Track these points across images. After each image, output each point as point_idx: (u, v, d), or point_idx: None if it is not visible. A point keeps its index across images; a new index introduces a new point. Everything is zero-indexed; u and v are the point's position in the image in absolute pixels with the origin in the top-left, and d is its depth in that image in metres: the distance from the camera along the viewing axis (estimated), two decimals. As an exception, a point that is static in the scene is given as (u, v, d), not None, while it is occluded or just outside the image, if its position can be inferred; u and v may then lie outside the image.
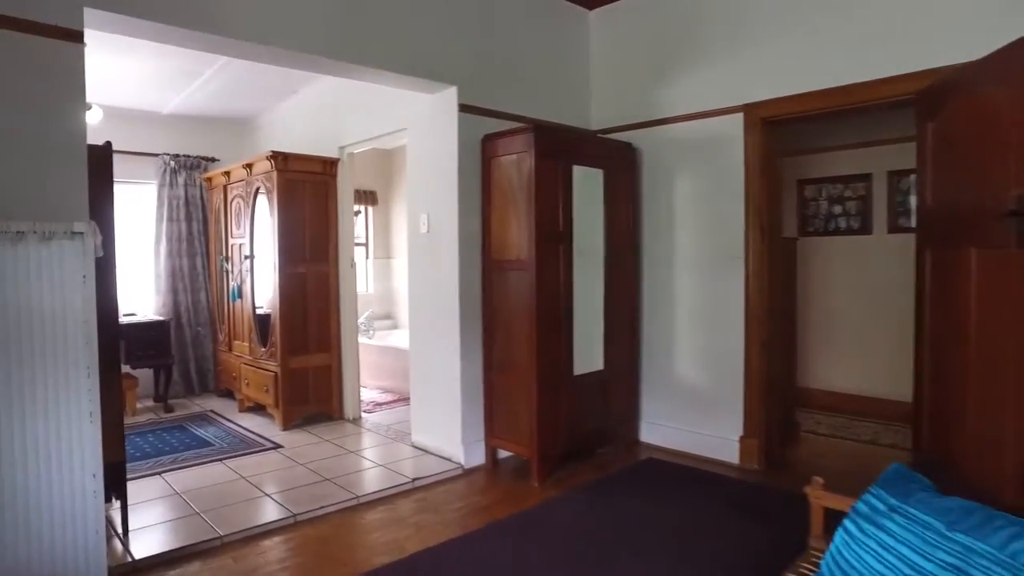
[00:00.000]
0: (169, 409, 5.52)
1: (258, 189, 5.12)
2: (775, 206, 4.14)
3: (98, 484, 2.23)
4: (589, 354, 4.15)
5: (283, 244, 4.83)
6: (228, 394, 6.00)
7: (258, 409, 5.41)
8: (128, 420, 5.20)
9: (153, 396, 5.87)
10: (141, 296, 6.09)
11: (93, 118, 4.43)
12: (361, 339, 5.63)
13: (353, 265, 5.19)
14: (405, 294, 7.50)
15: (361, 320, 6.39)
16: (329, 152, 5.13)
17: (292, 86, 5.39)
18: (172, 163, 6.06)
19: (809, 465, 4.15)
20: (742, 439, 4.05)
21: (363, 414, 5.33)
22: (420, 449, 4.38)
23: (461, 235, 4.02)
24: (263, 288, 5.38)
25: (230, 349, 5.73)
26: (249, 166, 5.15)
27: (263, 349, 5.10)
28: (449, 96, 4.03)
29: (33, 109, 2.45)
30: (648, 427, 4.56)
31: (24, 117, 2.42)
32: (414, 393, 4.48)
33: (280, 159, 4.79)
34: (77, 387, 2.22)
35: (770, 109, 3.90)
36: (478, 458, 4.12)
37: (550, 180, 3.82)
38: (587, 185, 4.05)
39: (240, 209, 5.41)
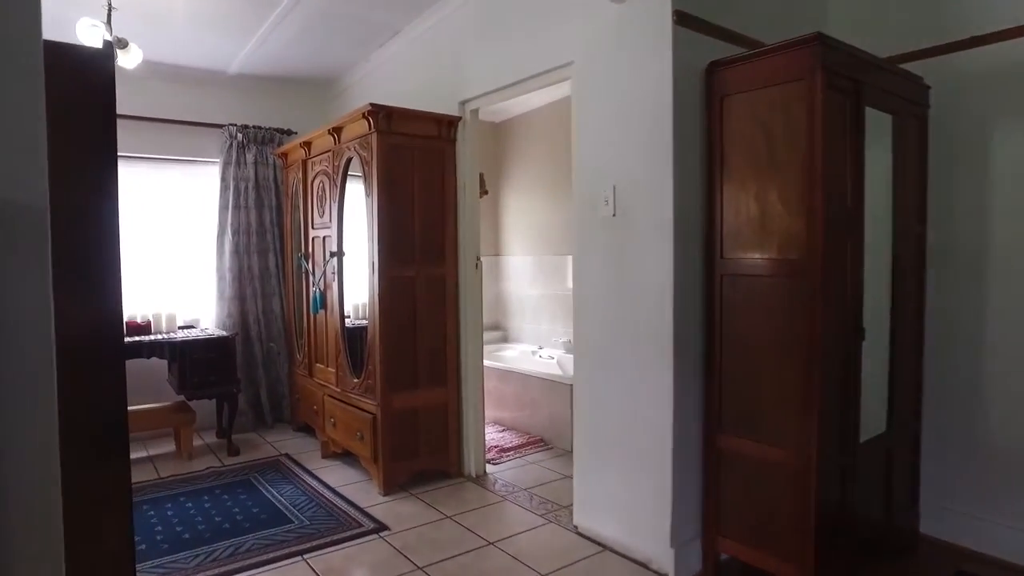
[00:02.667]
0: (234, 451, 4.26)
1: (349, 162, 3.77)
2: None
3: None
4: (868, 408, 2.60)
5: (384, 236, 3.46)
6: (307, 429, 4.71)
7: (347, 456, 4.08)
8: (182, 469, 3.95)
9: (216, 429, 4.63)
10: (202, 302, 4.86)
11: (128, 60, 3.17)
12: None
13: (479, 265, 3.78)
14: (519, 300, 6.10)
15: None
16: (445, 110, 3.72)
17: (392, 23, 4.02)
18: (240, 136, 4.81)
19: None
20: None
21: (487, 466, 3.93)
22: (591, 540, 2.92)
23: (677, 219, 2.54)
24: (355, 295, 4.04)
25: (310, 374, 4.43)
26: (337, 131, 3.81)
27: (355, 380, 3.75)
28: (655, 3, 2.56)
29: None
30: (933, 515, 2.97)
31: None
32: (580, 452, 3.04)
33: (381, 117, 3.42)
34: None
35: None
36: (692, 565, 2.64)
37: (836, 128, 2.30)
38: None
39: (324, 191, 4.08)
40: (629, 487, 2.77)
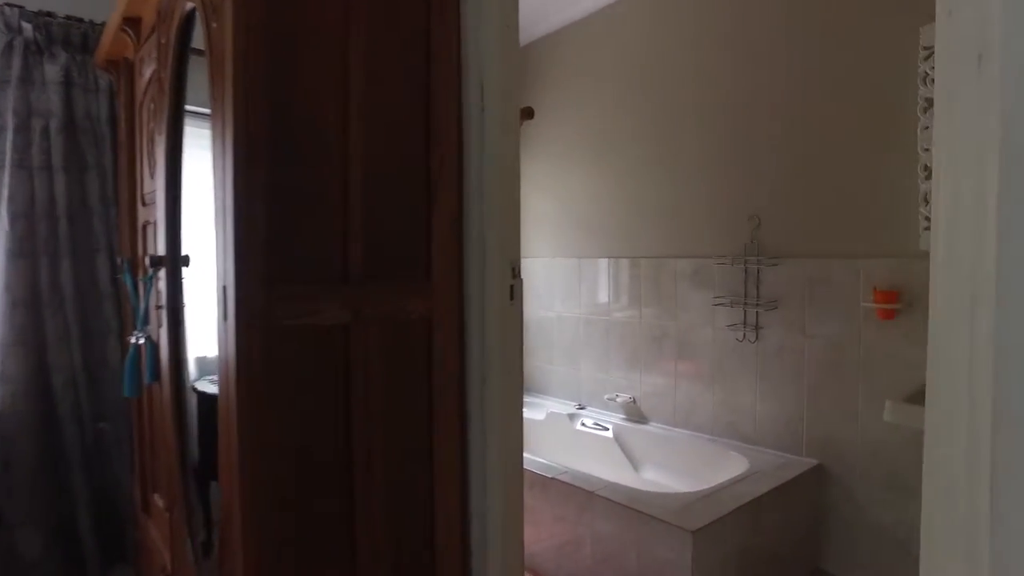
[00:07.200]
0: None
1: (187, 24, 1.51)
2: None
3: None
4: None
5: (255, 216, 1.21)
6: (157, 599, 2.43)
7: None
8: None
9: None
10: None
11: None
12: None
13: (515, 287, 1.51)
14: (542, 327, 3.75)
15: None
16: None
17: None
18: (28, 30, 2.51)
19: None
20: None
21: None
22: None
23: None
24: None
25: (146, 508, 2.16)
26: (160, -45, 1.55)
27: (206, 558, 1.49)
28: None
29: None
30: None
31: None
32: None
33: None
34: None
35: None
36: None
37: None
38: None
39: (155, 117, 1.81)
40: None
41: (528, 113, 1.62)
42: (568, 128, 3.63)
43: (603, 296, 3.48)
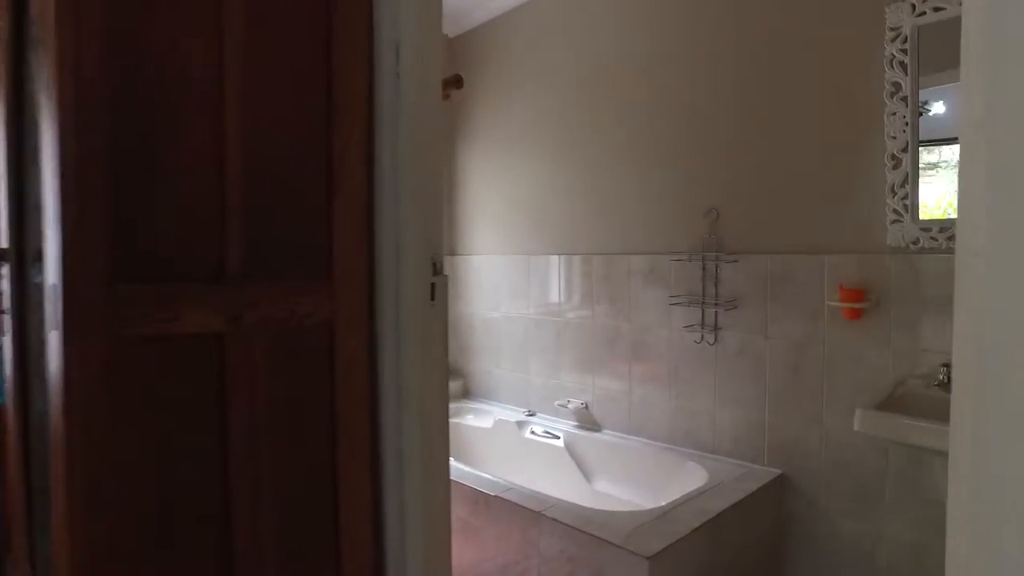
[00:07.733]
0: None
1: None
2: None
3: None
4: None
5: (82, 197, 0.93)
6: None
7: None
8: None
9: None
10: None
11: None
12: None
13: (437, 285, 1.26)
14: (488, 328, 3.48)
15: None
16: None
17: None
18: None
19: None
20: None
21: None
22: None
23: None
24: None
25: (10, 550, 1.84)
26: None
27: None
28: None
29: None
30: None
31: None
32: None
33: None
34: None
35: None
36: None
37: None
38: None
39: None
40: None
41: (456, 82, 1.37)
42: (517, 119, 3.40)
43: (554, 295, 3.26)
